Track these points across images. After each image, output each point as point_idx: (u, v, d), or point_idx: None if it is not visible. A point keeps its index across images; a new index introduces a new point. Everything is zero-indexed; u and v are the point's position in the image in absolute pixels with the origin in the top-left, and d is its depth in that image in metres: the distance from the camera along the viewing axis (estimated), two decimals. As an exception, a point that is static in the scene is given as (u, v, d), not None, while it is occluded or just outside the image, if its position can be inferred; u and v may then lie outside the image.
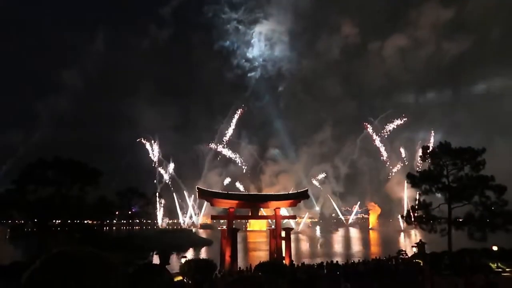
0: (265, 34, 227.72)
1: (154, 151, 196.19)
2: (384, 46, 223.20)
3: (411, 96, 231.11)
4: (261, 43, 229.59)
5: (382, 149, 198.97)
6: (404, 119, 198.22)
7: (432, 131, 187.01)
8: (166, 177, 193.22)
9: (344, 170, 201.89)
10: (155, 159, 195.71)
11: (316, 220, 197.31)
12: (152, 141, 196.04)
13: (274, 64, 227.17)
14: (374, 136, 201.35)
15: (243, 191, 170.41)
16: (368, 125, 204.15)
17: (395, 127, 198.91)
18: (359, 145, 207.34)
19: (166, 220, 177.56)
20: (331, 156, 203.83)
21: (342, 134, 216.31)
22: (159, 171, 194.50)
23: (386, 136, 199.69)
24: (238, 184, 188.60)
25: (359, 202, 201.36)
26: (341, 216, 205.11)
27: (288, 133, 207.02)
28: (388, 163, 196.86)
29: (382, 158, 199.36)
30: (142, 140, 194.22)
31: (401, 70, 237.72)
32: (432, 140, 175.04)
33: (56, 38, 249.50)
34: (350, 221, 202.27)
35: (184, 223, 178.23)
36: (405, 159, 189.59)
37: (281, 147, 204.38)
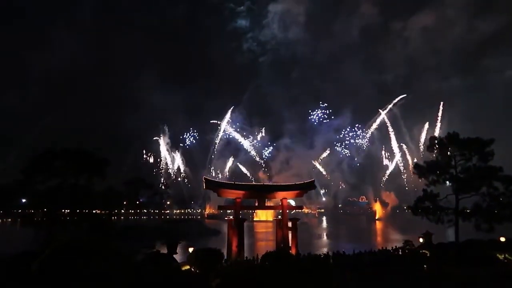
0: (280, 14, 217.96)
1: (163, 139, 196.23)
2: (407, 27, 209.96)
3: (432, 81, 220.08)
4: (275, 25, 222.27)
5: (393, 138, 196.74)
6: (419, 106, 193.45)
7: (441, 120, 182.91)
8: (175, 166, 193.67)
9: (358, 159, 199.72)
10: (164, 148, 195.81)
11: (323, 210, 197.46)
12: (163, 128, 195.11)
13: (288, 47, 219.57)
14: (389, 125, 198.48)
15: (252, 180, 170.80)
16: (382, 112, 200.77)
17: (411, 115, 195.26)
18: (375, 133, 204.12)
19: (174, 210, 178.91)
20: (344, 144, 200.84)
21: (358, 122, 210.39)
22: (168, 160, 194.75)
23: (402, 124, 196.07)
24: (245, 171, 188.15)
25: (369, 193, 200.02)
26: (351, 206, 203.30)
27: (301, 119, 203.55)
28: (400, 152, 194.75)
29: (393, 147, 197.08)
30: (151, 127, 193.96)
31: (424, 53, 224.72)
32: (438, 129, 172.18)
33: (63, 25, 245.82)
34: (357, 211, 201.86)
35: (192, 213, 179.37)
36: (421, 148, 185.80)
37: (293, 133, 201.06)
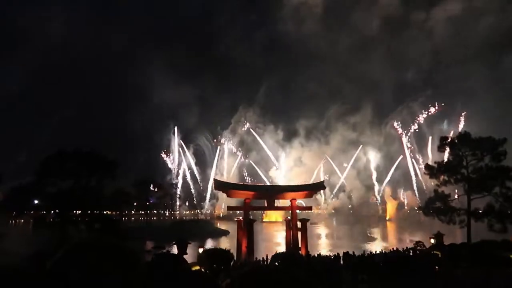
0: (296, 7, 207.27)
1: (174, 138, 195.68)
2: (429, 17, 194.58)
3: (456, 77, 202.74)
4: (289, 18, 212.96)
5: (405, 139, 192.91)
6: (441, 104, 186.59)
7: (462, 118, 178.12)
8: (185, 166, 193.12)
9: (376, 159, 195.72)
10: (175, 147, 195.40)
11: (333, 211, 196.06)
12: (173, 126, 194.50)
13: (304, 41, 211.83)
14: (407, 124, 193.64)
15: (264, 180, 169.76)
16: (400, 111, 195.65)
17: (431, 113, 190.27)
18: (392, 132, 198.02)
19: (184, 210, 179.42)
20: (361, 143, 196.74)
21: (377, 120, 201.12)
22: (180, 160, 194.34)
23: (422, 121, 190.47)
24: (260, 171, 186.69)
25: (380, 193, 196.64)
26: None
27: (316, 117, 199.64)
28: (415, 154, 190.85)
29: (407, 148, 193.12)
30: (162, 125, 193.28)
31: (448, 46, 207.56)
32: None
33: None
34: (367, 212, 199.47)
35: (201, 214, 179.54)
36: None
37: (307, 131, 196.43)
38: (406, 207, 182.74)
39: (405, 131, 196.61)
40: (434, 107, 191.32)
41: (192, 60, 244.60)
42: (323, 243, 73.44)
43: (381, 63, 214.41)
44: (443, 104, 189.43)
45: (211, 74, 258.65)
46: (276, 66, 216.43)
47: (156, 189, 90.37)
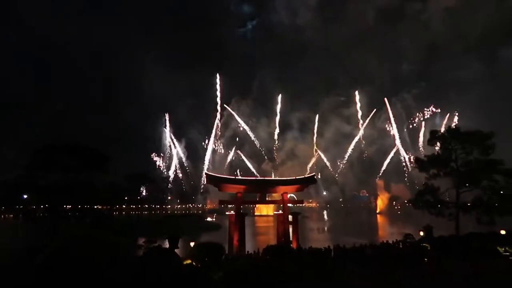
0: None
1: (165, 131, 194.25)
2: (425, 8, 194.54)
3: (451, 69, 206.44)
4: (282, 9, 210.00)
5: (395, 130, 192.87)
6: (435, 109, 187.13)
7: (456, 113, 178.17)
8: (177, 159, 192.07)
9: (367, 152, 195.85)
10: (167, 140, 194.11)
11: (324, 205, 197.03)
12: (165, 119, 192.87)
13: (297, 32, 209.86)
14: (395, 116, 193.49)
15: (256, 174, 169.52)
16: (387, 102, 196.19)
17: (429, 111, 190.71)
18: (386, 124, 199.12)
19: (176, 204, 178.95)
20: (353, 136, 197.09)
21: (371, 111, 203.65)
22: (171, 154, 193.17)
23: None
24: (249, 164, 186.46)
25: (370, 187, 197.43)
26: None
27: (308, 109, 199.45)
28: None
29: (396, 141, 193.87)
30: (153, 118, 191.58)
31: (443, 38, 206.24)
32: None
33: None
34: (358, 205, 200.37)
35: (193, 208, 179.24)
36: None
37: (300, 124, 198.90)
38: (395, 202, 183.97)
39: (399, 124, 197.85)
40: (430, 107, 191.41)
41: (184, 51, 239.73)
42: (314, 236, 73.87)
43: (376, 55, 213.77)
44: (435, 106, 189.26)
45: (203, 66, 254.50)
46: (270, 57, 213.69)
47: (147, 184, 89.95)
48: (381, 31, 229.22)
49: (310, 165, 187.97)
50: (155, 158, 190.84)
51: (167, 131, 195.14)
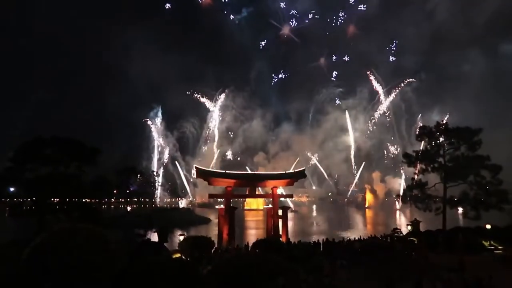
0: None
1: (155, 121, 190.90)
2: None
3: (455, 62, 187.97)
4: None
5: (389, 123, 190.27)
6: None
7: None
8: (167, 152, 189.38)
9: (362, 144, 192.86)
10: (156, 132, 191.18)
11: (313, 199, 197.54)
12: (156, 108, 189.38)
13: (295, 20, 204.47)
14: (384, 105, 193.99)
15: (247, 168, 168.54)
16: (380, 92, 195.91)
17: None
18: (382, 117, 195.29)
19: (166, 198, 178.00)
20: (346, 129, 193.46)
21: (370, 103, 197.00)
22: (160, 147, 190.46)
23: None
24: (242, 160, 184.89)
25: (355, 182, 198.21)
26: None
27: (302, 102, 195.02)
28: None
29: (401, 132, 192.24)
30: (144, 120, 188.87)
31: (447, 29, 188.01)
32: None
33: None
34: (346, 199, 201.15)
35: (182, 202, 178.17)
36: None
37: (294, 116, 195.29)
38: (383, 195, 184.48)
39: (395, 116, 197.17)
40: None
41: (177, 39, 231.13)
42: (303, 230, 74.36)
43: (377, 44, 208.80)
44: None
45: (197, 55, 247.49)
46: (264, 47, 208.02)
47: (137, 177, 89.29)
48: (383, 20, 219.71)
49: (305, 161, 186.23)
50: (145, 151, 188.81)
51: (157, 122, 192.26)
